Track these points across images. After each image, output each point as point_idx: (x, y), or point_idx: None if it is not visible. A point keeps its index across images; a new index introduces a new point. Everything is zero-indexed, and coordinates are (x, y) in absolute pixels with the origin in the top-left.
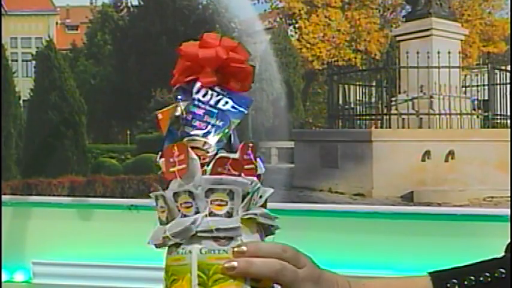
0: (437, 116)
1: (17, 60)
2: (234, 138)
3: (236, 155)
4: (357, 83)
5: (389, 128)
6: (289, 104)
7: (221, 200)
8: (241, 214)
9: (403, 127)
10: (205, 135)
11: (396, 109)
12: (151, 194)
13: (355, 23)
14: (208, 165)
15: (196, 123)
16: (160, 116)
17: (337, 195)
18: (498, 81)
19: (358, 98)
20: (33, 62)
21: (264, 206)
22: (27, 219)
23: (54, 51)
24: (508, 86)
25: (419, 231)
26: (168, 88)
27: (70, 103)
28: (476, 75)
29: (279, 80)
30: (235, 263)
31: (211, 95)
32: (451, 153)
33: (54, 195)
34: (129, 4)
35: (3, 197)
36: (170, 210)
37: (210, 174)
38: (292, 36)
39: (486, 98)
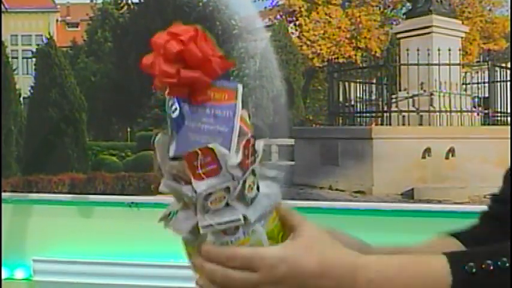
0: (438, 113)
1: (17, 58)
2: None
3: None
4: (357, 81)
5: (390, 125)
6: (290, 102)
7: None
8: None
9: (403, 124)
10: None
11: (396, 106)
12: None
13: (356, 21)
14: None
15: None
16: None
17: (338, 192)
18: (498, 79)
19: (358, 95)
20: (34, 59)
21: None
22: (27, 217)
23: (54, 49)
24: (508, 83)
25: (420, 229)
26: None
27: (70, 100)
28: (477, 72)
29: (279, 77)
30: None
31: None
32: (451, 151)
33: (54, 193)
34: (130, 1)
35: (3, 194)
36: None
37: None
38: (292, 33)
39: (486, 95)
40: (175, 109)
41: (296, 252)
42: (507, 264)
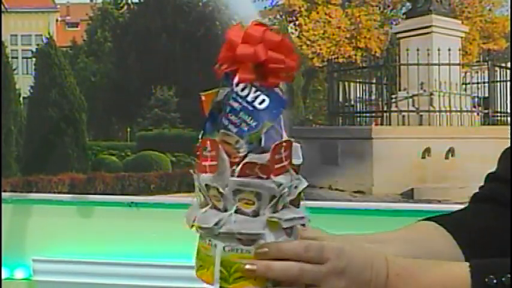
0: (438, 113)
1: (17, 58)
2: (266, 139)
3: (266, 158)
4: (357, 80)
5: (390, 125)
6: (289, 101)
7: (248, 200)
8: (268, 215)
9: (403, 124)
10: (239, 133)
11: (396, 106)
12: (193, 172)
13: (355, 20)
14: (237, 166)
15: (232, 117)
16: (203, 98)
17: (337, 192)
18: (498, 79)
19: (358, 95)
20: (34, 59)
21: (298, 197)
22: (27, 217)
23: (54, 49)
24: (508, 83)
25: None
26: (167, 85)
27: (70, 100)
28: (477, 72)
29: None
30: (254, 266)
31: (250, 90)
32: (451, 151)
33: (54, 193)
34: (129, 1)
35: (3, 194)
36: (204, 198)
37: (238, 175)
38: (292, 33)
39: (486, 95)
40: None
41: (349, 246)
42: None
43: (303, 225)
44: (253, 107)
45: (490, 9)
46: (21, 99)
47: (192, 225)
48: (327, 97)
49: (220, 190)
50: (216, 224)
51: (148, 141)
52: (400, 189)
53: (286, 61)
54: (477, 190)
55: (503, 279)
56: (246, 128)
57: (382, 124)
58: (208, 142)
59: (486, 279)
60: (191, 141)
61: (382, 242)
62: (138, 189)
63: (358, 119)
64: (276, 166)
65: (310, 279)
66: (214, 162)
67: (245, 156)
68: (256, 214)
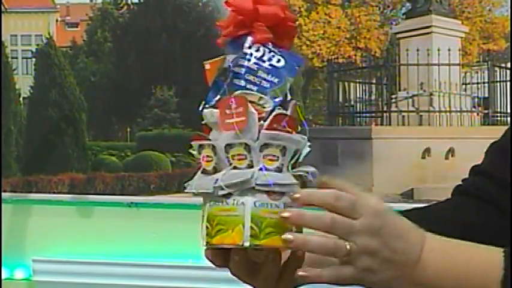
0: (437, 114)
1: (17, 58)
2: (291, 94)
3: (291, 112)
4: (357, 81)
5: (390, 125)
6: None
7: (273, 155)
8: (292, 171)
9: (403, 124)
10: (261, 90)
11: (396, 106)
12: (193, 143)
13: (355, 21)
14: (265, 121)
15: (250, 77)
16: (208, 67)
17: None
18: (498, 79)
19: (358, 95)
20: (33, 59)
21: (297, 162)
22: (27, 217)
23: (54, 49)
24: (508, 83)
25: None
26: (167, 86)
27: (70, 100)
28: (476, 72)
29: None
30: (287, 214)
31: (264, 51)
32: (451, 151)
33: (54, 193)
34: (129, 1)
35: (3, 194)
36: (219, 161)
37: (266, 129)
38: None
39: (486, 95)
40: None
41: (387, 209)
42: None
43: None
44: (271, 65)
45: (489, 10)
46: (21, 99)
47: (200, 193)
48: (326, 97)
49: (249, 143)
50: (251, 176)
51: (148, 142)
52: (400, 189)
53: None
54: (460, 182)
55: None
56: (267, 85)
57: (382, 124)
58: (232, 99)
59: None
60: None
61: None
62: (138, 189)
63: (358, 119)
64: (296, 123)
65: (341, 232)
66: (242, 118)
67: (271, 111)
68: (279, 170)
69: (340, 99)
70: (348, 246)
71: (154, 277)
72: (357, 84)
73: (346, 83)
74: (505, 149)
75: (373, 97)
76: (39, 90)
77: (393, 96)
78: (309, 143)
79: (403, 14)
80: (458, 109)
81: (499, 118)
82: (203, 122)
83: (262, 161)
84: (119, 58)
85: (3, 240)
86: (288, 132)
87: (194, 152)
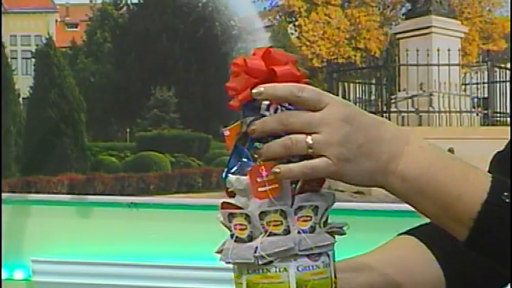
0: (437, 114)
1: (16, 58)
2: None
3: None
4: (357, 81)
5: None
6: None
7: (306, 216)
8: (325, 228)
9: (402, 125)
10: None
11: (396, 107)
12: (222, 211)
13: (355, 21)
14: (296, 184)
15: (270, 139)
16: (227, 133)
17: (337, 193)
18: (498, 79)
19: (357, 95)
20: (33, 59)
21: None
22: (26, 217)
23: (53, 49)
24: (508, 83)
25: None
26: (167, 86)
27: (69, 101)
28: (476, 72)
29: None
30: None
31: (282, 111)
32: (450, 151)
33: (53, 193)
34: (129, 2)
35: (2, 194)
36: (254, 228)
37: (299, 192)
38: (292, 34)
39: (486, 95)
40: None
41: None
42: None
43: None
44: None
45: (489, 10)
46: (20, 99)
47: (240, 263)
48: None
49: (285, 209)
50: (294, 243)
51: (147, 142)
52: None
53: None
54: None
55: None
56: None
57: None
58: (262, 167)
59: (504, 194)
60: (190, 142)
61: (354, 270)
62: (137, 190)
63: None
64: (323, 179)
65: (300, 124)
66: (275, 185)
67: None
68: (313, 230)
69: None
70: (308, 138)
71: (153, 277)
72: (357, 85)
73: (345, 83)
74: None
75: (372, 97)
76: (38, 90)
77: (393, 96)
78: (334, 199)
79: (403, 14)
80: (458, 109)
81: (498, 118)
82: (229, 189)
83: (296, 223)
84: (118, 59)
85: (2, 240)
86: (317, 190)
87: (221, 220)
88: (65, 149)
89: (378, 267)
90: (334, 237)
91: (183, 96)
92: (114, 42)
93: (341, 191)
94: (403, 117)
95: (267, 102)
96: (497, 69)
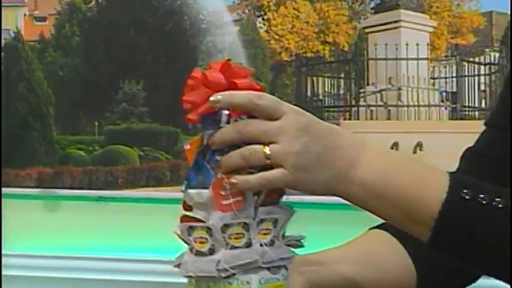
0: (406, 108)
1: None
2: None
3: None
4: (326, 75)
5: (358, 119)
6: None
7: (266, 229)
8: (284, 241)
9: (371, 119)
10: None
11: (365, 101)
12: (182, 225)
13: (324, 15)
14: (258, 196)
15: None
16: (188, 147)
17: None
18: (466, 73)
19: (326, 89)
20: (1, 53)
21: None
22: None
23: (22, 43)
24: (476, 78)
25: None
26: (135, 80)
27: (38, 94)
28: (445, 67)
29: None
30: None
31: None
32: (419, 145)
33: (21, 187)
34: None
35: None
36: (215, 241)
37: (262, 205)
38: (260, 28)
39: (454, 90)
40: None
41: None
42: (500, 205)
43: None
44: None
45: (458, 4)
46: None
47: (200, 277)
48: (295, 91)
49: (248, 222)
50: (259, 257)
51: (116, 136)
52: None
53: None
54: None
55: (480, 195)
56: None
57: (350, 118)
58: (226, 180)
59: (461, 193)
60: (159, 136)
61: (325, 263)
62: (105, 183)
63: (327, 113)
64: (283, 191)
65: (257, 133)
66: (238, 198)
67: None
68: (272, 243)
69: (309, 94)
70: (266, 149)
71: (121, 271)
72: (326, 79)
73: (314, 78)
74: (481, 156)
75: (341, 91)
76: (6, 84)
77: (361, 90)
78: (293, 211)
79: (372, 8)
80: (427, 103)
81: (467, 112)
82: (189, 203)
83: (257, 236)
84: (86, 52)
85: None
86: (277, 203)
87: (179, 233)
88: (33, 142)
89: (349, 261)
90: (293, 251)
91: (152, 90)
92: (83, 36)
93: None
94: (371, 111)
95: (226, 113)
96: (465, 63)
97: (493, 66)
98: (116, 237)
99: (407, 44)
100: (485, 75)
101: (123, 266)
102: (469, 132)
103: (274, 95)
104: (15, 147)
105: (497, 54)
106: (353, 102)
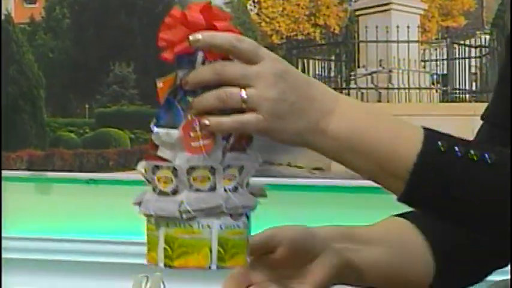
0: (396, 91)
1: None
2: None
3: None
4: (316, 58)
5: None
6: None
7: (232, 175)
8: (247, 189)
9: (362, 101)
10: None
11: (355, 83)
12: (147, 163)
13: None
14: (227, 141)
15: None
16: (160, 85)
17: (296, 169)
18: (457, 56)
19: (317, 72)
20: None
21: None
22: None
23: (12, 25)
24: (467, 60)
25: (378, 204)
26: (126, 62)
27: (28, 77)
28: (435, 49)
29: None
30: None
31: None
32: None
33: (12, 169)
34: None
35: None
36: (179, 183)
37: (230, 150)
38: (251, 10)
39: (445, 72)
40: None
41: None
42: (475, 158)
43: None
44: None
45: None
46: None
47: (162, 216)
48: None
49: (215, 166)
50: (223, 202)
51: (106, 118)
52: None
53: None
54: None
55: (455, 148)
56: None
57: None
58: (197, 121)
59: (437, 144)
60: (150, 118)
61: (363, 243)
62: (96, 166)
63: None
64: (251, 140)
65: (235, 75)
66: (208, 141)
67: None
68: (236, 190)
69: None
70: (243, 93)
71: (112, 254)
72: (316, 61)
73: (305, 60)
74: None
75: (332, 74)
76: None
77: (352, 73)
78: (260, 160)
79: None
80: (417, 86)
81: (457, 95)
82: (156, 142)
83: (222, 181)
84: (77, 34)
85: None
86: (245, 150)
87: (142, 170)
88: (23, 125)
89: (386, 246)
90: (256, 199)
91: (142, 72)
92: (73, 18)
93: (300, 167)
94: (362, 93)
95: (202, 55)
96: (456, 46)
97: (483, 49)
98: (106, 220)
99: (398, 27)
100: (476, 57)
101: (114, 248)
102: (460, 115)
103: None
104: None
105: (488, 37)
106: (344, 85)
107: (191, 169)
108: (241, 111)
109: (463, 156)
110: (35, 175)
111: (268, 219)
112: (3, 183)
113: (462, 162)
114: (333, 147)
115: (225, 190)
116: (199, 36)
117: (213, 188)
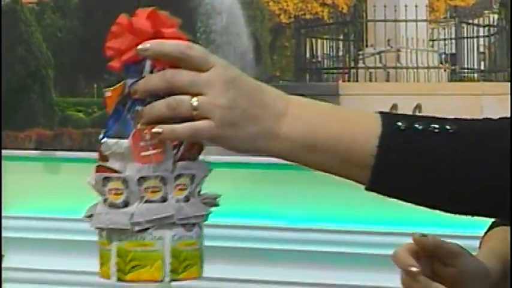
0: (405, 70)
1: None
2: None
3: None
4: (324, 37)
5: (357, 81)
6: (257, 58)
7: (183, 185)
8: (199, 198)
9: (370, 80)
10: None
11: (363, 62)
12: (97, 175)
13: None
14: (177, 150)
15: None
16: (108, 94)
17: None
18: (465, 35)
19: (325, 51)
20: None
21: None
22: None
23: (20, 5)
24: (475, 39)
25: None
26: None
27: (37, 56)
28: (444, 28)
29: (246, 33)
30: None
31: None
32: (418, 107)
33: (21, 149)
34: None
35: None
36: (130, 194)
37: (180, 159)
38: None
39: (453, 51)
40: None
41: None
42: (435, 130)
43: None
44: None
45: None
46: None
47: (100, 228)
48: (294, 53)
49: (165, 176)
50: (175, 212)
51: None
52: None
53: None
54: None
55: (415, 124)
56: None
57: (349, 80)
58: (146, 131)
59: (397, 123)
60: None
61: (494, 256)
62: None
63: (325, 75)
64: (202, 148)
65: (185, 83)
66: (158, 150)
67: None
68: (187, 199)
69: (308, 56)
70: (193, 100)
71: None
72: (324, 41)
73: (313, 39)
74: None
75: (340, 53)
76: (5, 46)
77: (360, 52)
78: (210, 168)
79: None
80: (426, 65)
81: (465, 74)
82: (105, 153)
83: (173, 191)
84: (85, 14)
85: None
86: (195, 158)
87: (93, 183)
88: (32, 104)
89: (505, 257)
90: (208, 209)
91: None
92: None
93: None
94: (370, 73)
95: (149, 64)
96: (464, 25)
97: (492, 28)
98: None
99: (406, 6)
100: (484, 36)
101: None
102: (468, 94)
103: (273, 57)
104: (14, 110)
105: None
106: (352, 64)
107: (142, 179)
108: (192, 119)
109: (424, 130)
110: (43, 154)
111: (231, 197)
112: (11, 162)
113: (424, 136)
114: (289, 150)
115: (177, 201)
116: (147, 45)
117: (164, 199)
